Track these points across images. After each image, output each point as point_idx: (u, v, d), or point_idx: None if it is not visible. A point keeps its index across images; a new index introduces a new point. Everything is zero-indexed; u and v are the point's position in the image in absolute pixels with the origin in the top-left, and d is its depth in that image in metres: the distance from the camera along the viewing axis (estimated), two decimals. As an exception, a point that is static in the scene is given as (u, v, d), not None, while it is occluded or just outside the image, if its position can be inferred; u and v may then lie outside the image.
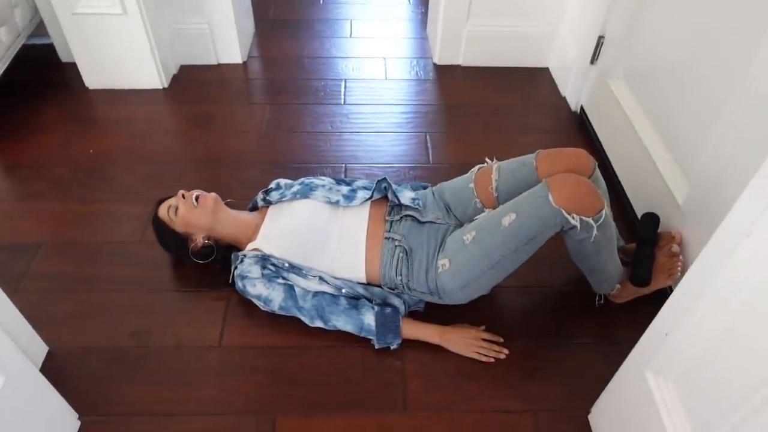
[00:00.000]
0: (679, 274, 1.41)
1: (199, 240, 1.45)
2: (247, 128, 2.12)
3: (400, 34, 2.75)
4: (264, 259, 1.39)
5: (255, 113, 2.19)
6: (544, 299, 1.54)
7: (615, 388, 1.16)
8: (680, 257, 1.42)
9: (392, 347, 1.37)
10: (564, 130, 2.14)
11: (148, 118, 2.15)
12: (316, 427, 1.25)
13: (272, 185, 1.61)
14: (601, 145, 1.96)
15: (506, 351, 1.37)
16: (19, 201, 1.81)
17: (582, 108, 2.14)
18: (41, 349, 1.36)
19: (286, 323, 1.41)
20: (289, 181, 1.61)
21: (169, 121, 2.17)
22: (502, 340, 1.40)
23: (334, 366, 1.36)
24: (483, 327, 1.41)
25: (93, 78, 2.24)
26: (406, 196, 1.49)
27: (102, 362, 1.36)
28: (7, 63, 2.08)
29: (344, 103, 2.25)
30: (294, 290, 1.37)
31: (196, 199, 1.44)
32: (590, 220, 1.24)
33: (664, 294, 1.46)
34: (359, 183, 1.62)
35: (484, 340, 1.38)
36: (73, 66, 2.24)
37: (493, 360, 1.36)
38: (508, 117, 2.19)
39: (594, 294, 1.49)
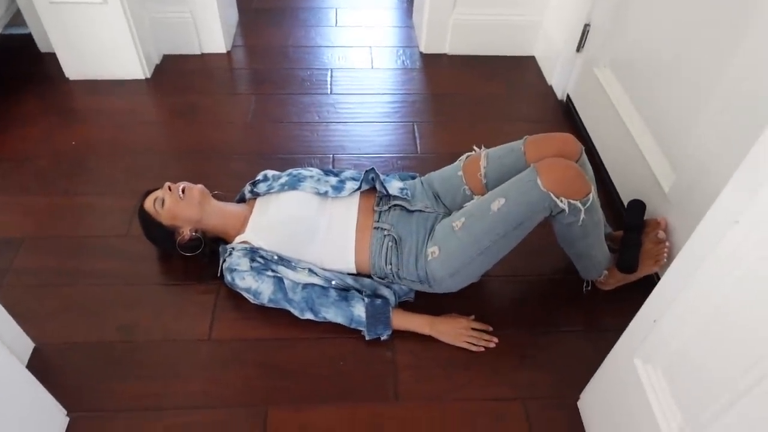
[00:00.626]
0: (666, 260, 1.43)
1: (186, 233, 1.43)
2: (233, 119, 2.09)
3: (385, 23, 2.73)
4: (253, 252, 1.38)
5: (240, 103, 2.16)
6: (533, 288, 1.55)
7: (604, 375, 1.17)
8: (666, 243, 1.43)
9: (383, 338, 1.37)
10: (550, 118, 2.14)
11: (131, 108, 2.12)
12: (307, 418, 1.25)
13: (259, 177, 1.60)
14: (587, 134, 1.97)
15: (496, 340, 1.38)
16: (0, 195, 1.77)
17: (568, 96, 2.15)
18: (27, 345, 1.34)
19: (275, 316, 1.41)
20: (276, 173, 1.60)
21: (153, 112, 2.14)
22: (491, 329, 1.40)
23: (325, 357, 1.36)
24: (473, 316, 1.42)
25: (73, 68, 2.20)
26: (394, 186, 1.49)
27: (89, 357, 1.34)
28: (-16, 53, 2.03)
29: (330, 93, 2.23)
30: (283, 283, 1.37)
31: (183, 191, 1.42)
32: (578, 204, 1.25)
33: (651, 281, 1.48)
34: (347, 173, 1.61)
35: (474, 329, 1.39)
36: (52, 56, 2.19)
37: (483, 349, 1.37)
38: (494, 106, 2.19)
39: (581, 281, 1.50)
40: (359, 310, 1.35)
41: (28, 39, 2.32)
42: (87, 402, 1.26)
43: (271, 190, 1.49)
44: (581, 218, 1.27)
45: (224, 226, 1.47)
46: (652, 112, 1.60)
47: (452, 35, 2.39)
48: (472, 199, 1.43)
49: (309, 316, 1.37)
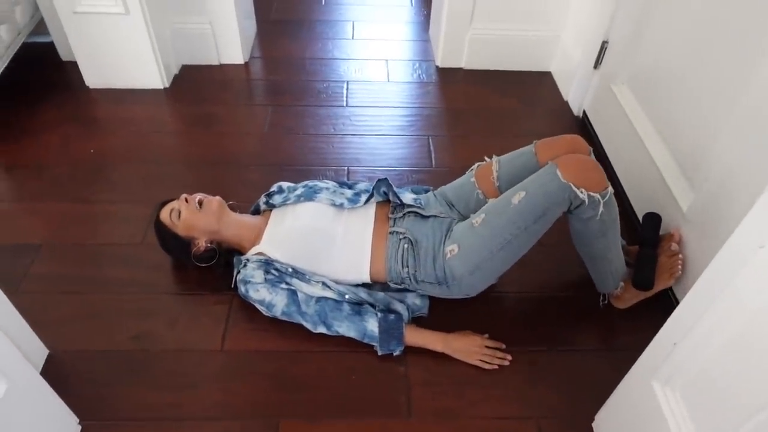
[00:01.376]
0: (680, 272, 1.41)
1: (202, 244, 1.44)
2: (249, 129, 2.11)
3: (402, 37, 2.75)
4: (267, 264, 1.38)
5: (257, 114, 2.18)
6: (547, 305, 1.53)
7: (620, 397, 1.15)
8: (680, 256, 1.42)
9: (395, 354, 1.36)
10: (566, 133, 2.12)
11: (149, 118, 2.14)
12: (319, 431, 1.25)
13: (274, 188, 1.60)
14: (603, 150, 1.96)
15: (510, 357, 1.37)
16: (19, 201, 1.79)
17: (584, 113, 2.14)
18: (42, 351, 1.34)
19: (289, 328, 1.40)
20: (291, 185, 1.60)
21: (171, 122, 2.16)
22: (504, 346, 1.39)
23: (338, 371, 1.35)
24: (486, 335, 1.40)
25: (94, 77, 2.23)
26: (408, 197, 1.50)
27: (103, 366, 1.35)
28: (7, 61, 2.06)
29: (346, 105, 2.24)
30: (297, 295, 1.37)
31: (200, 203, 1.43)
32: (597, 196, 1.26)
33: (666, 299, 1.47)
34: (361, 186, 1.62)
35: (488, 347, 1.38)
36: (73, 65, 2.22)
37: (496, 367, 1.36)
38: (510, 121, 2.19)
39: (597, 297, 1.49)
40: (372, 324, 1.35)
41: (50, 47, 2.36)
42: (99, 411, 1.26)
43: (287, 202, 1.50)
44: (600, 212, 1.28)
45: (240, 238, 1.47)
46: (670, 130, 1.58)
47: (469, 50, 2.39)
48: (486, 203, 1.43)
49: (322, 329, 1.37)
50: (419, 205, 1.47)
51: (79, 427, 1.22)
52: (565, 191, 1.25)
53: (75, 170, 1.89)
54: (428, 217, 1.44)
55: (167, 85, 2.27)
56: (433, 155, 2.01)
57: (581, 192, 1.25)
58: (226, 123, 2.13)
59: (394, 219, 1.45)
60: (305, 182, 1.59)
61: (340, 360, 1.37)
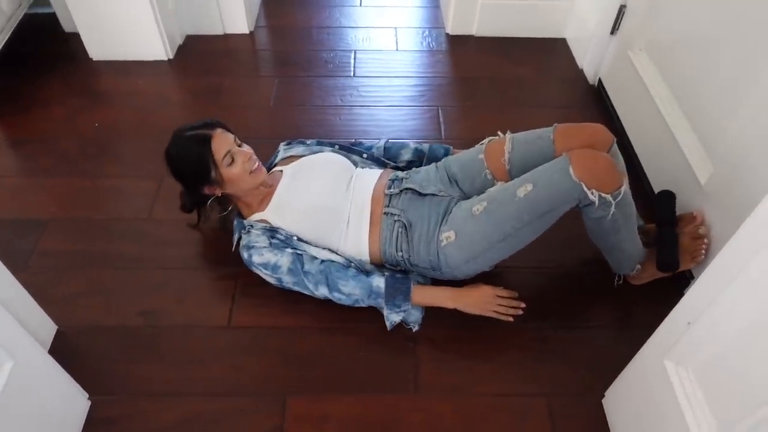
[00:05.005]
0: (703, 257, 1.37)
1: (218, 192, 1.40)
2: (255, 102, 2.06)
3: (411, 3, 2.66)
4: (272, 231, 1.36)
5: (263, 86, 2.13)
6: (560, 280, 1.50)
7: (631, 375, 1.13)
8: (705, 240, 1.37)
9: (401, 317, 1.32)
10: (581, 103, 2.07)
11: (153, 90, 2.11)
12: (326, 408, 1.24)
13: (294, 142, 1.63)
14: (619, 120, 1.89)
15: (523, 305, 1.34)
16: (25, 176, 1.78)
17: (600, 81, 2.07)
18: (50, 328, 1.35)
19: (296, 303, 1.39)
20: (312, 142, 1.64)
21: (176, 94, 2.12)
22: (517, 294, 1.36)
23: (345, 347, 1.34)
24: (501, 287, 1.36)
25: (97, 49, 2.19)
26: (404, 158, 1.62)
27: (111, 341, 1.35)
28: (9, 33, 2.03)
29: (354, 76, 2.19)
30: (302, 256, 1.33)
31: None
32: (608, 197, 1.21)
33: (683, 276, 1.43)
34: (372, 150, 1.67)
35: (500, 296, 1.34)
36: (76, 36, 2.18)
37: (511, 319, 1.33)
38: (523, 90, 2.13)
39: (611, 275, 1.46)
40: (379, 281, 1.31)
41: (53, 18, 2.32)
42: (108, 386, 1.27)
43: (305, 153, 1.54)
44: (611, 212, 1.23)
45: (250, 201, 1.43)
46: (690, 99, 1.52)
47: (480, 16, 2.31)
48: (494, 184, 1.38)
49: (323, 291, 1.32)
50: (416, 183, 1.41)
51: (89, 403, 1.23)
52: (574, 190, 1.20)
53: (80, 144, 1.87)
54: (426, 195, 1.39)
55: (171, 57, 2.22)
56: (442, 127, 1.96)
57: (592, 193, 1.19)
58: (231, 95, 2.09)
59: (390, 196, 1.41)
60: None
61: (347, 336, 1.36)
